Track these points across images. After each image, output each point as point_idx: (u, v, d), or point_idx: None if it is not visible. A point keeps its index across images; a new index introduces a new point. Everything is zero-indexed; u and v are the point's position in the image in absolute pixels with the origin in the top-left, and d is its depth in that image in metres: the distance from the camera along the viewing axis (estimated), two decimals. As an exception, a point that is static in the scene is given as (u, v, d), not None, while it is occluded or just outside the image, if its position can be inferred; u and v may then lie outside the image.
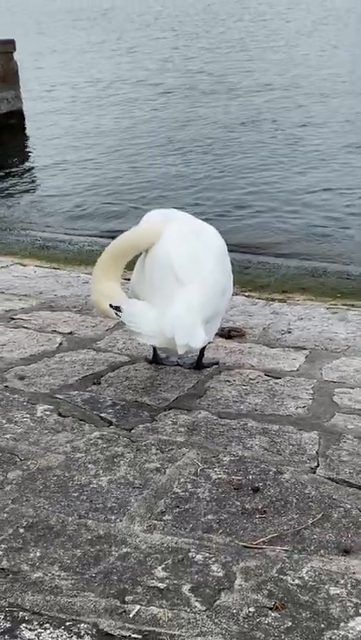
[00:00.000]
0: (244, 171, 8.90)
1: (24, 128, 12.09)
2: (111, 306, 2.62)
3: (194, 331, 2.50)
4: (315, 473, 2.26)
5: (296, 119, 11.23)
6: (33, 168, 10.31)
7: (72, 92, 15.27)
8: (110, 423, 2.58)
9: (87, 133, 11.86)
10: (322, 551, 1.91)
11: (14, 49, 11.86)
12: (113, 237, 2.90)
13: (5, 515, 2.06)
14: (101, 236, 7.06)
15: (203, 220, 3.01)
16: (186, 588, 1.77)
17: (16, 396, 2.78)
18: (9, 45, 11.80)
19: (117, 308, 2.57)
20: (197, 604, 1.73)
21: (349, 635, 1.65)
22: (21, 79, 12.08)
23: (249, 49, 18.68)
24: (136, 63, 17.94)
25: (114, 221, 7.65)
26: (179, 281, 2.60)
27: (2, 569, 1.85)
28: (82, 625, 1.68)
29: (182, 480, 2.22)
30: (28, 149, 11.39)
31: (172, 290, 2.58)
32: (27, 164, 10.59)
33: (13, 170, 10.26)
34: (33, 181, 9.66)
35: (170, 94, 14.05)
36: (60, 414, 2.63)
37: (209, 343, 3.03)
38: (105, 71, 17.29)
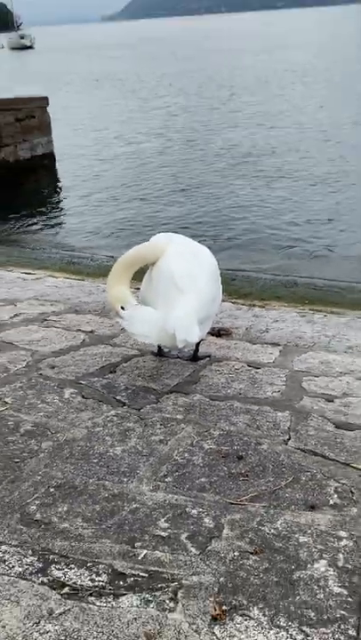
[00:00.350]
0: (232, 205, 8.91)
1: (55, 167, 12.09)
2: (122, 308, 2.68)
3: (191, 329, 2.52)
4: (287, 444, 2.26)
5: (275, 165, 11.23)
6: (62, 199, 10.31)
7: (93, 139, 15.27)
8: (123, 404, 2.58)
9: (106, 172, 11.87)
10: (292, 507, 1.91)
11: (47, 104, 11.87)
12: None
13: (39, 477, 2.07)
14: (116, 253, 7.06)
15: (198, 241, 3.02)
16: (183, 537, 1.78)
17: (48, 381, 2.78)
18: (43, 101, 11.82)
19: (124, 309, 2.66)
20: (193, 549, 1.73)
21: (314, 574, 1.66)
22: (53, 127, 12.07)
23: (241, 109, 18.69)
24: (146, 117, 17.94)
25: (126, 243, 7.64)
26: (179, 290, 2.62)
27: (36, 520, 1.86)
28: (100, 566, 1.68)
29: (181, 450, 2.22)
30: (58, 184, 11.39)
31: (173, 297, 2.61)
32: (57, 196, 10.59)
33: (46, 200, 10.26)
34: (62, 210, 9.66)
35: (175, 142, 14.05)
36: (83, 396, 2.64)
37: (202, 340, 3.03)
38: (121, 123, 17.29)
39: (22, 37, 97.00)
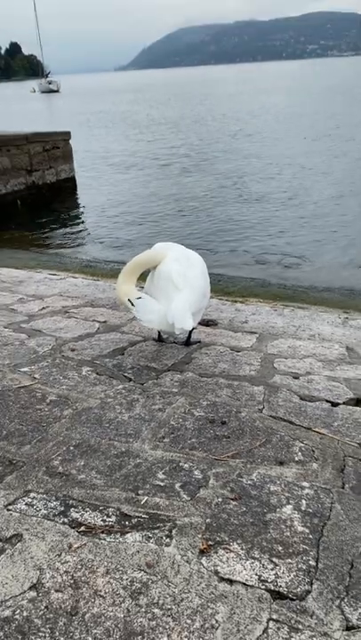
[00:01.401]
0: (221, 223, 8.88)
1: (76, 189, 12.00)
2: (129, 300, 2.68)
3: (186, 318, 2.52)
4: (261, 412, 2.27)
5: (261, 188, 11.19)
6: (82, 216, 10.24)
7: (108, 167, 15.16)
8: (130, 379, 2.58)
9: (119, 194, 11.79)
10: (265, 463, 1.92)
11: (70, 137, 11.77)
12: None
13: (61, 438, 2.06)
14: (125, 259, 7.05)
15: (193, 249, 3.01)
16: (177, 486, 1.78)
17: (69, 361, 2.77)
18: (66, 135, 11.72)
19: (131, 302, 2.65)
20: (185, 496, 1.73)
21: (282, 516, 1.66)
22: (74, 157, 11.99)
23: (232, 141, 18.60)
24: (154, 150, 17.81)
25: (134, 251, 7.61)
26: (176, 287, 2.61)
27: (59, 473, 1.85)
28: (110, 509, 1.68)
29: (176, 416, 2.22)
30: (78, 203, 11.31)
31: (172, 293, 2.61)
32: (77, 213, 10.52)
33: (69, 216, 10.20)
34: (82, 224, 9.60)
35: (177, 171, 13.95)
36: (97, 373, 2.63)
37: (195, 328, 3.03)
38: (131, 154, 17.17)
39: (50, 83, 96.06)
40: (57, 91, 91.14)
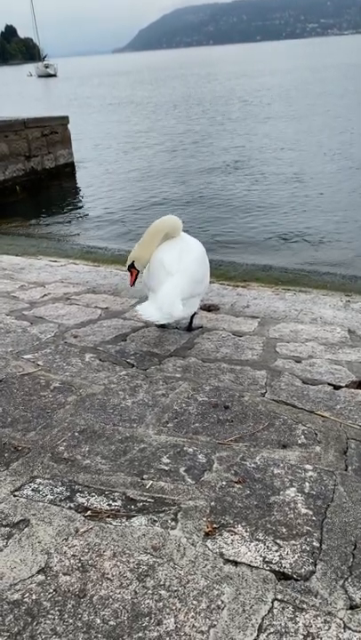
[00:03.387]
0: (222, 208, 8.79)
1: (75, 174, 11.91)
2: (130, 266, 2.76)
3: (174, 303, 2.50)
4: (264, 396, 2.28)
5: (263, 171, 11.09)
6: (81, 201, 10.17)
7: (107, 151, 15.02)
8: (133, 365, 2.58)
9: (118, 179, 11.70)
10: (268, 446, 1.93)
11: (68, 122, 11.65)
12: (131, 250, 2.86)
13: (66, 424, 2.07)
14: (126, 245, 7.02)
15: (195, 236, 2.98)
16: (182, 470, 1.79)
17: (72, 348, 2.78)
18: (64, 119, 11.60)
19: (131, 266, 2.74)
20: (189, 480, 1.75)
21: (286, 499, 1.67)
22: (72, 142, 11.87)
23: (244, 121, 18.40)
24: (153, 133, 17.62)
25: (135, 238, 7.58)
26: (167, 273, 2.60)
27: (64, 458, 1.86)
28: (115, 493, 1.69)
29: (179, 401, 2.23)
30: (77, 188, 11.24)
31: (163, 279, 2.60)
32: (77, 198, 10.45)
33: (68, 202, 10.14)
34: (81, 210, 9.54)
35: (178, 155, 13.82)
36: (100, 360, 2.64)
37: (196, 314, 3.03)
38: (131, 138, 16.99)
39: (47, 67, 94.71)
40: (54, 75, 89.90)
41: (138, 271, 2.79)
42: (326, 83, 30.68)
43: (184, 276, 2.60)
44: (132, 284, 2.85)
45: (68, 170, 11.77)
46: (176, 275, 2.59)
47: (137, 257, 2.76)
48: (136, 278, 2.83)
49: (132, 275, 2.82)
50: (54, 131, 11.31)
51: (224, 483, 1.73)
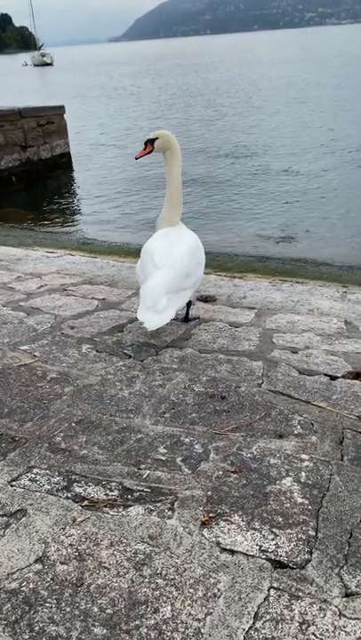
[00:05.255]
0: (221, 199, 8.79)
1: (71, 165, 11.83)
2: (150, 140, 2.77)
3: (157, 297, 2.50)
4: (260, 387, 2.28)
5: (260, 162, 11.04)
6: (77, 192, 10.13)
7: (104, 141, 14.93)
8: (130, 356, 2.58)
9: (116, 168, 11.65)
10: (265, 436, 1.93)
11: (64, 111, 11.56)
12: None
13: (63, 414, 2.07)
14: (123, 235, 6.99)
15: (190, 224, 2.98)
16: (179, 460, 1.80)
17: (69, 339, 2.77)
18: (61, 109, 11.50)
19: (151, 140, 2.75)
20: (186, 470, 1.75)
21: (282, 488, 1.68)
22: (69, 131, 11.78)
23: (245, 108, 18.28)
24: (151, 122, 17.50)
25: (132, 228, 7.55)
26: (155, 266, 2.59)
27: (61, 449, 1.87)
28: (112, 483, 1.70)
29: (176, 392, 2.23)
30: (74, 179, 11.18)
31: (150, 272, 2.59)
32: (73, 189, 10.41)
33: (64, 193, 10.09)
34: (78, 201, 9.50)
35: (181, 144, 13.77)
36: (97, 351, 2.64)
37: (191, 305, 3.03)
38: (128, 127, 16.88)
39: (43, 56, 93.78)
40: (50, 64, 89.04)
41: (152, 149, 2.78)
42: (326, 72, 30.50)
43: (172, 269, 2.58)
44: (139, 157, 2.85)
45: (65, 160, 11.69)
46: (163, 268, 2.57)
47: (162, 135, 2.76)
48: (147, 154, 2.81)
49: (145, 148, 2.80)
50: (50, 121, 11.22)
51: (221, 472, 1.74)
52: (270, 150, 12.10)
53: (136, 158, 2.91)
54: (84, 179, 10.98)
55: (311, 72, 31.70)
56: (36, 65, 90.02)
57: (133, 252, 5.08)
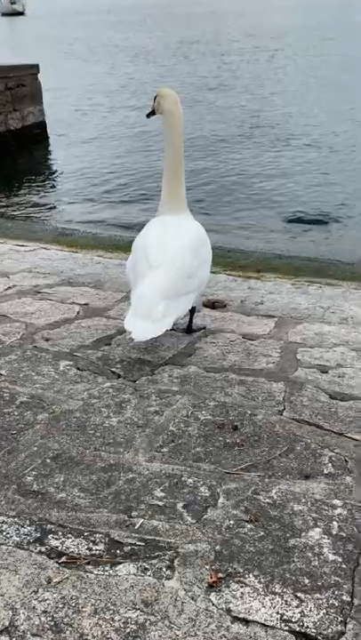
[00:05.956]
0: (229, 173, 8.83)
1: (46, 138, 11.91)
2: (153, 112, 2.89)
3: (153, 304, 2.50)
4: (282, 415, 2.28)
5: (288, 132, 11.09)
6: (54, 170, 10.19)
7: (86, 107, 15.05)
8: (119, 376, 2.58)
9: (101, 140, 11.73)
10: (287, 476, 1.93)
11: (38, 71, 11.65)
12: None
13: (35, 448, 2.08)
14: (110, 224, 7.01)
15: (196, 211, 3.01)
16: (180, 506, 1.80)
17: (43, 354, 2.78)
18: (34, 68, 11.61)
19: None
20: (189, 518, 1.75)
21: (309, 542, 1.68)
22: (44, 96, 11.86)
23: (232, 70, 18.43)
24: (144, 84, 17.62)
25: (120, 214, 7.58)
26: (149, 265, 2.61)
27: (33, 491, 1.87)
28: (97, 535, 1.70)
29: (177, 420, 2.23)
30: (50, 154, 11.27)
31: (144, 272, 2.61)
32: (49, 167, 10.48)
33: (39, 171, 10.16)
34: (55, 181, 9.56)
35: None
36: (78, 369, 2.64)
37: (196, 311, 3.04)
38: (114, 90, 17.02)
39: (13, 3, 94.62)
40: (22, 12, 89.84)
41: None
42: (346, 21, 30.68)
43: (170, 268, 2.59)
44: (149, 114, 2.96)
45: (39, 132, 11.78)
46: (160, 267, 2.58)
47: (160, 93, 2.83)
48: (152, 113, 2.92)
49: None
50: (21, 83, 11.31)
51: (232, 522, 1.74)
52: (291, 121, 12.16)
53: (147, 116, 2.99)
54: (62, 155, 11.05)
55: (328, 23, 31.91)
56: (4, 14, 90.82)
57: (124, 246, 5.09)
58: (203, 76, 19.05)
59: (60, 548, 1.65)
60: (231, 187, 8.39)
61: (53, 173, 10.01)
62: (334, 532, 1.71)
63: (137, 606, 1.49)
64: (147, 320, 2.50)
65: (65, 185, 9.23)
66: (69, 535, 1.69)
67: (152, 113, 2.93)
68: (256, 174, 8.86)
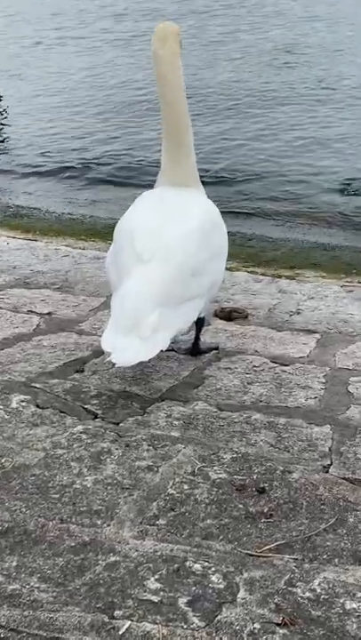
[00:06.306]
0: (247, 130, 8.82)
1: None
2: None
3: (141, 313, 2.51)
4: (327, 472, 2.27)
5: (313, 92, 11.16)
6: (3, 133, 10.19)
7: (47, 53, 15.11)
8: (95, 416, 2.58)
9: (66, 90, 11.75)
10: (336, 560, 1.92)
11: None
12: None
13: (-23, 519, 2.07)
14: (83, 203, 7.00)
15: (206, 186, 3.02)
16: (182, 602, 1.78)
17: (-13, 384, 2.78)
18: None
19: None
20: (196, 620, 1.74)
21: (367, 654, 1.67)
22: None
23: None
24: (118, 21, 17.73)
25: (97, 185, 7.56)
26: (138, 257, 2.62)
27: (-27, 580, 1.86)
28: (65, 643, 1.68)
29: (178, 480, 2.22)
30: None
31: (130, 268, 2.62)
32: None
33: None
34: (3, 148, 9.54)
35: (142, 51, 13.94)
36: (38, 406, 2.63)
37: (205, 325, 3.04)
38: (86, 38, 17.10)
39: None
40: None
41: None
42: None
43: (167, 262, 2.60)
44: None
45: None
46: (152, 262, 2.60)
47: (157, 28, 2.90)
48: None
49: None
50: None
51: (257, 625, 1.72)
52: (334, 58, 12.20)
53: None
54: (13, 116, 11.02)
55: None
56: None
57: (102, 232, 5.10)
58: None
59: (11, 663, 1.64)
60: (254, 154, 8.35)
61: (0, 136, 10.01)
62: None
63: None
64: (132, 336, 2.50)
65: (17, 153, 9.18)
66: (25, 644, 1.68)
67: None
68: (289, 128, 8.87)
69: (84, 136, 9.30)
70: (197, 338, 3.01)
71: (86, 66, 13.07)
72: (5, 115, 10.66)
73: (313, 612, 1.77)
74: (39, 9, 18.00)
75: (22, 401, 2.66)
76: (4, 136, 9.74)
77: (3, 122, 10.37)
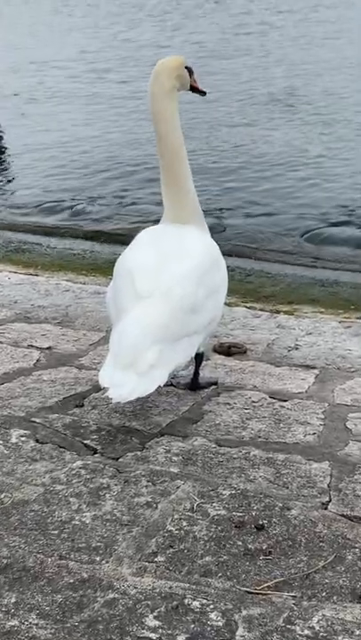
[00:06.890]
0: (245, 163, 8.87)
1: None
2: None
3: (140, 350, 2.51)
4: (326, 509, 2.27)
5: (302, 122, 11.27)
6: (5, 162, 10.26)
7: (52, 78, 15.27)
8: (95, 451, 2.58)
9: (70, 123, 11.84)
10: (335, 598, 1.91)
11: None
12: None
13: (-25, 555, 2.06)
14: (85, 237, 7.00)
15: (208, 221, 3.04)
16: (181, 639, 1.77)
17: (-13, 419, 2.78)
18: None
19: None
20: (194, 658, 1.73)
21: None
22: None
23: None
24: (128, 47, 17.95)
25: (99, 220, 7.58)
26: (137, 294, 2.63)
27: (-29, 617, 1.85)
28: None
29: (176, 516, 2.22)
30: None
31: (129, 303, 2.63)
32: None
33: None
34: (5, 175, 9.60)
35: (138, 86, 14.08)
36: (37, 441, 2.63)
37: (204, 360, 3.04)
38: (94, 54, 17.31)
39: None
40: None
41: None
42: None
43: (166, 300, 2.61)
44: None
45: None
46: (151, 298, 2.61)
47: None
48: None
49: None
50: None
51: (256, 664, 1.71)
52: (331, 90, 12.27)
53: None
54: (16, 140, 11.13)
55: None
56: None
57: (103, 267, 5.12)
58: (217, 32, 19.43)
59: None
60: (251, 184, 8.39)
61: (2, 165, 10.08)
62: None
63: None
64: (130, 372, 2.51)
65: (17, 180, 9.24)
66: None
67: None
68: (287, 165, 8.91)
69: (86, 172, 9.34)
70: (197, 373, 3.02)
71: (89, 102, 13.18)
72: (8, 152, 10.73)
73: (312, 651, 1.76)
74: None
75: (22, 436, 2.67)
76: (6, 172, 9.79)
77: (5, 158, 10.44)
